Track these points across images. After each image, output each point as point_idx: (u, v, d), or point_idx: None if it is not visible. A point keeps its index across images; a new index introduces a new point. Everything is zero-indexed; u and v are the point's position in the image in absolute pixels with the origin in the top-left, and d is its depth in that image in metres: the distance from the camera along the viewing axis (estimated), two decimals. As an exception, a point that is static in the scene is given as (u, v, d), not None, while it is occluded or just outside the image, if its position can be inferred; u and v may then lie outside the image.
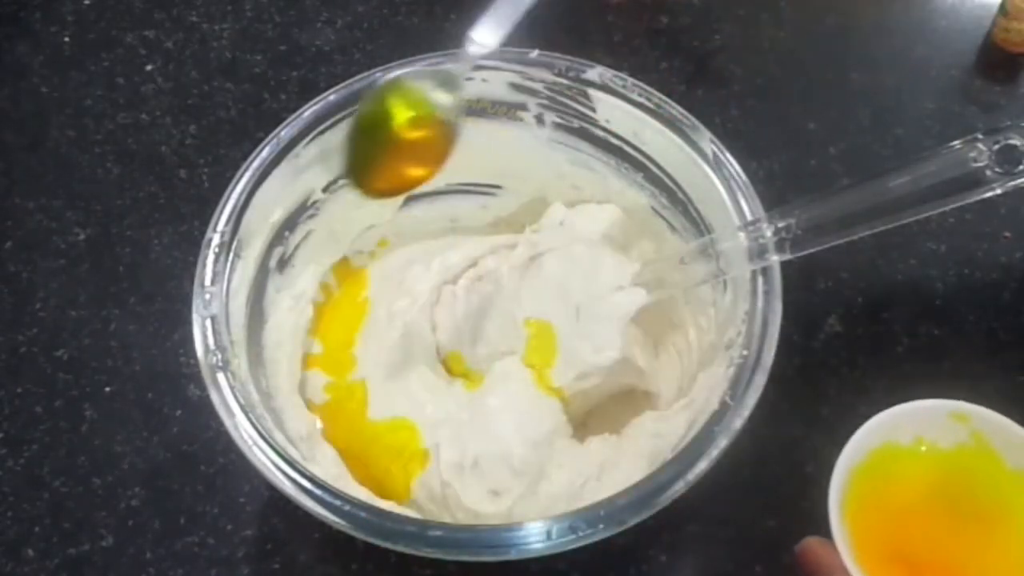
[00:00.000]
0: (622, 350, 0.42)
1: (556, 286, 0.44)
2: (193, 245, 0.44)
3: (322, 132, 0.43)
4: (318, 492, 0.34)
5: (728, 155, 0.41)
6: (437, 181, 0.49)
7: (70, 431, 0.48)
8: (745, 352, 0.37)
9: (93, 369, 0.49)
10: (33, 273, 0.53)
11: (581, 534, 0.33)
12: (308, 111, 0.43)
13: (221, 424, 0.36)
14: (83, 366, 0.49)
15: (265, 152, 0.42)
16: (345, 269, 0.49)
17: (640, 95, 0.43)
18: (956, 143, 0.34)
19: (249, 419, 0.36)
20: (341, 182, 0.46)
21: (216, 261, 0.39)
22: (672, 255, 0.42)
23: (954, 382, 0.48)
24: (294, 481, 0.34)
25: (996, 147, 0.33)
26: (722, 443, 0.35)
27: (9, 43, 0.62)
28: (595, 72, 0.44)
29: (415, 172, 0.42)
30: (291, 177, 0.43)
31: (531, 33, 0.61)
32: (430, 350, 0.46)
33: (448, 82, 0.41)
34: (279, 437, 0.38)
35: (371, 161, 0.41)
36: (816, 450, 0.47)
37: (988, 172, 0.33)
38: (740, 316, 0.38)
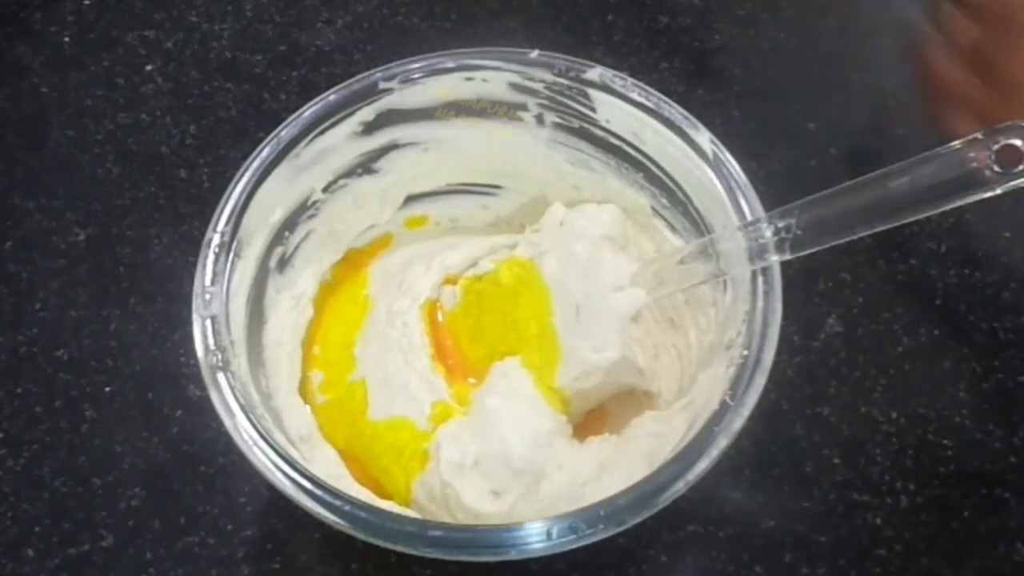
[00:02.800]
0: (622, 350, 0.42)
1: (556, 286, 0.44)
2: (193, 245, 0.44)
3: (322, 132, 0.43)
4: (318, 492, 0.34)
5: (728, 155, 0.41)
6: (437, 181, 0.49)
7: (70, 431, 0.48)
8: (745, 352, 0.37)
9: (93, 369, 0.49)
10: (33, 273, 0.53)
11: (581, 534, 0.33)
12: (308, 111, 0.43)
13: (221, 424, 0.36)
14: (83, 366, 0.49)
15: (265, 152, 0.42)
16: (345, 268, 0.49)
17: (640, 95, 0.43)
18: (956, 143, 0.34)
19: (249, 419, 0.36)
20: (341, 182, 0.46)
21: (216, 261, 0.39)
22: (672, 255, 0.42)
23: (954, 382, 0.48)
24: (294, 481, 0.34)
25: (996, 147, 0.33)
26: (722, 443, 0.35)
27: (9, 43, 0.62)
28: (595, 72, 0.44)
29: None
30: (291, 177, 0.43)
31: (531, 33, 0.62)
32: (430, 350, 0.46)
33: None
34: (279, 437, 0.38)
35: None
36: (816, 450, 0.47)
37: (988, 172, 0.33)
38: (740, 316, 0.38)
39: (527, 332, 0.44)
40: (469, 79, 0.44)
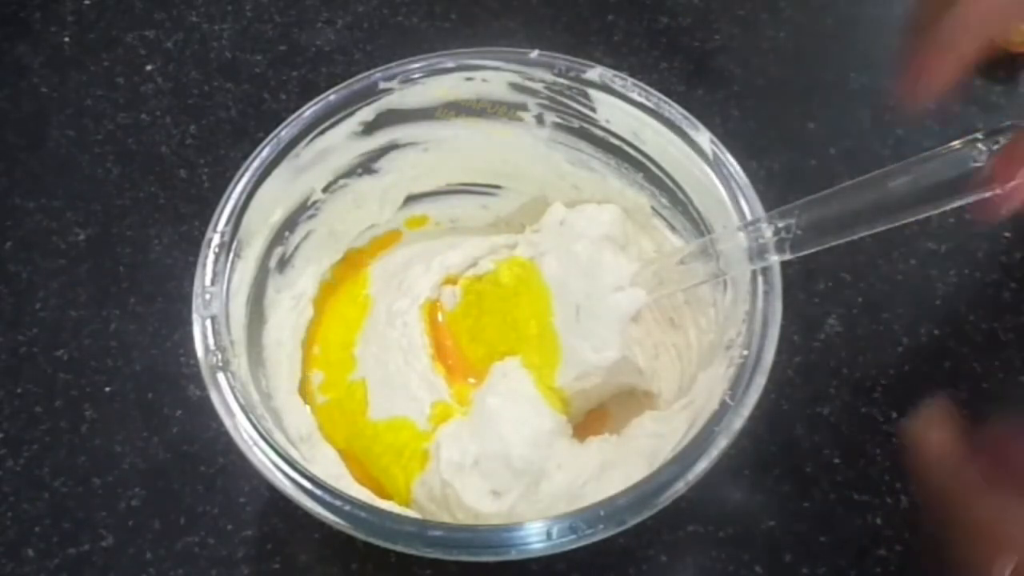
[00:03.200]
0: (621, 350, 0.42)
1: (556, 286, 0.44)
2: (193, 245, 0.44)
3: (322, 132, 0.43)
4: (318, 492, 0.34)
5: (728, 155, 0.41)
6: (437, 181, 0.49)
7: (70, 431, 0.48)
8: (745, 352, 0.37)
9: (93, 369, 0.49)
10: (33, 273, 0.53)
11: (581, 534, 0.33)
12: (308, 111, 0.43)
13: (221, 424, 0.36)
14: (83, 366, 0.49)
15: (265, 152, 0.42)
16: (345, 268, 0.49)
17: (640, 95, 0.43)
18: (956, 143, 0.34)
19: (249, 419, 0.36)
20: (341, 182, 0.46)
21: (216, 261, 0.39)
22: (672, 255, 0.42)
23: (954, 382, 0.48)
24: (294, 481, 0.34)
25: (996, 147, 0.33)
26: (722, 443, 0.35)
27: (9, 43, 0.62)
28: (595, 72, 0.44)
29: None
30: (291, 177, 0.43)
31: (531, 33, 0.62)
32: (430, 350, 0.46)
33: None
34: (279, 437, 0.38)
35: None
36: (816, 450, 0.47)
37: (988, 172, 0.33)
38: (740, 316, 0.38)
39: (527, 332, 0.44)
40: (469, 79, 0.45)
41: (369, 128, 0.45)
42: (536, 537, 0.33)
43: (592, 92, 0.44)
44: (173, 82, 0.60)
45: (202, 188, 0.55)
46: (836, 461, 0.46)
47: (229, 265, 0.40)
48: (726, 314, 0.41)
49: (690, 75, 0.60)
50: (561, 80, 0.44)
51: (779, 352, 0.37)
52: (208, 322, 0.38)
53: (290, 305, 0.45)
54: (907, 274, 0.52)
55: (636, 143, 0.44)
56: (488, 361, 0.44)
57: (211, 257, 0.39)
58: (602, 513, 0.33)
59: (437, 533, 0.34)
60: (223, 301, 0.39)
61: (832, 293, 0.51)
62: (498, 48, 0.44)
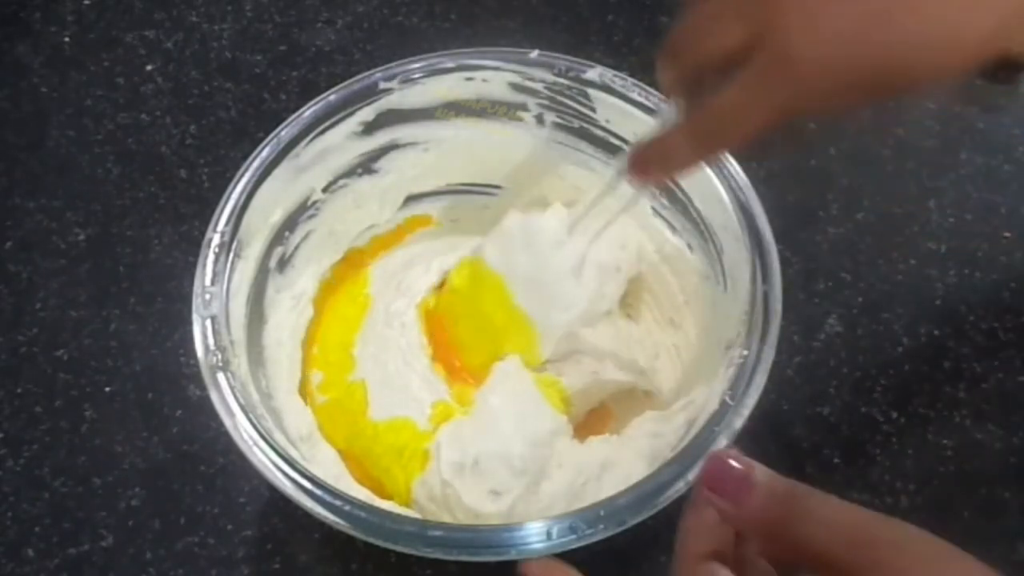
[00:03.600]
0: (587, 300, 0.42)
1: (504, 270, 0.43)
2: (193, 245, 0.44)
3: (322, 132, 0.43)
4: (318, 492, 0.34)
5: (728, 155, 0.41)
6: (437, 181, 0.49)
7: (70, 431, 0.48)
8: (745, 352, 0.37)
9: (93, 369, 0.49)
10: (33, 273, 0.53)
11: (581, 534, 0.33)
12: (308, 111, 0.43)
13: (221, 424, 0.36)
14: (83, 366, 0.49)
15: (265, 152, 0.42)
16: (346, 268, 0.49)
17: (640, 95, 0.43)
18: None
19: (249, 419, 0.36)
20: (341, 182, 0.46)
21: (216, 261, 0.39)
22: (600, 188, 0.41)
23: (954, 382, 0.48)
24: (294, 481, 0.34)
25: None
26: (722, 443, 0.35)
27: (9, 43, 0.62)
28: (595, 72, 0.44)
29: None
30: (291, 177, 0.43)
31: (531, 33, 0.62)
32: (429, 350, 0.46)
33: None
34: (279, 437, 0.38)
35: None
36: (816, 450, 0.47)
37: None
38: (740, 316, 0.38)
39: (497, 323, 0.44)
40: (469, 79, 0.45)
41: (369, 128, 0.45)
42: (536, 537, 0.33)
43: (592, 92, 0.44)
44: (173, 82, 0.60)
45: (202, 188, 0.55)
46: (836, 461, 0.46)
47: (229, 265, 0.40)
48: (726, 314, 0.41)
49: (690, 75, 0.59)
50: (561, 80, 0.44)
51: (779, 352, 0.37)
52: (208, 322, 0.38)
53: (290, 305, 0.45)
54: (907, 274, 0.52)
55: (636, 143, 0.44)
56: (483, 365, 0.44)
57: (211, 257, 0.39)
58: (602, 513, 0.33)
59: (437, 533, 0.34)
60: (223, 301, 0.39)
61: (832, 293, 0.51)
62: (498, 48, 0.44)
